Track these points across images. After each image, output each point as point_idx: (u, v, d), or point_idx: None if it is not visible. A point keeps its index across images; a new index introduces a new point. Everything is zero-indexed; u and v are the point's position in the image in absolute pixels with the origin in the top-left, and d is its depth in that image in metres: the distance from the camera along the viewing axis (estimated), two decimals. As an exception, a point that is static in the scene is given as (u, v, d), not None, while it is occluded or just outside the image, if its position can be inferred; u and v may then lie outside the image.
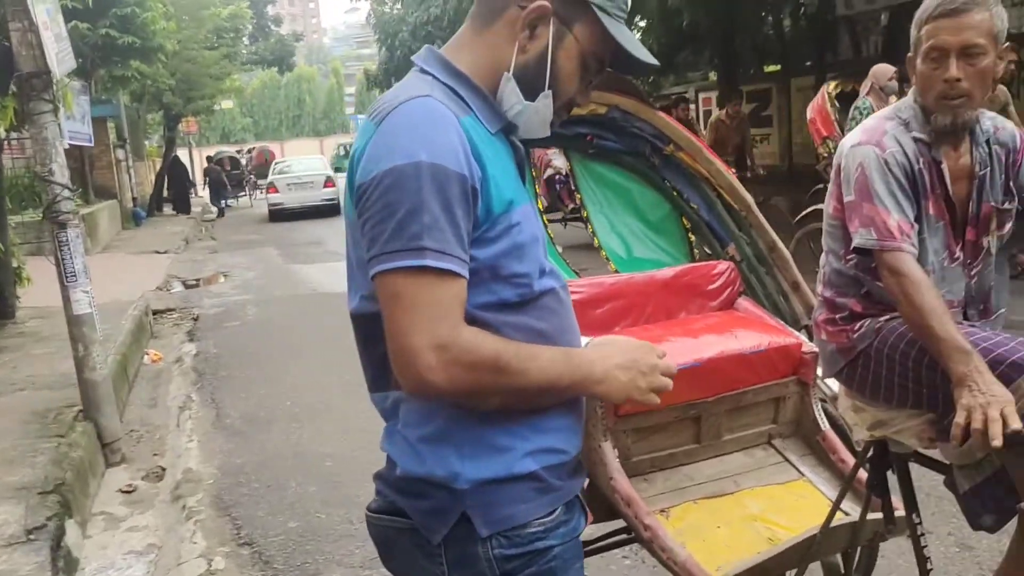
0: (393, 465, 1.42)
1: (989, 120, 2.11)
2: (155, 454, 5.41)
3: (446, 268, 1.25)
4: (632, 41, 1.42)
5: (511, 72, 1.40)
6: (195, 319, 9.61)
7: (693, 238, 3.34)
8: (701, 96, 19.81)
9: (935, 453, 2.07)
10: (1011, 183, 2.11)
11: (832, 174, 2.15)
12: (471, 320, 1.31)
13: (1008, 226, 2.12)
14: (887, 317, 2.06)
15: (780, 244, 3.04)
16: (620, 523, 2.62)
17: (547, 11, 1.37)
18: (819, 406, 2.75)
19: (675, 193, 3.24)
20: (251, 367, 7.32)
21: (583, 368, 1.36)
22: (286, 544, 3.95)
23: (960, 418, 1.68)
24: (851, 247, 2.05)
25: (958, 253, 2.09)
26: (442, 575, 1.38)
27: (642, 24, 16.47)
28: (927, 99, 2.02)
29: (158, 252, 15.50)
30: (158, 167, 27.47)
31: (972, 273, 2.11)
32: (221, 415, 6.06)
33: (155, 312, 9.70)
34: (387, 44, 23.48)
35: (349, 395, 6.17)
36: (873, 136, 2.06)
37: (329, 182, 21.79)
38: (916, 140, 2.05)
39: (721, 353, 2.61)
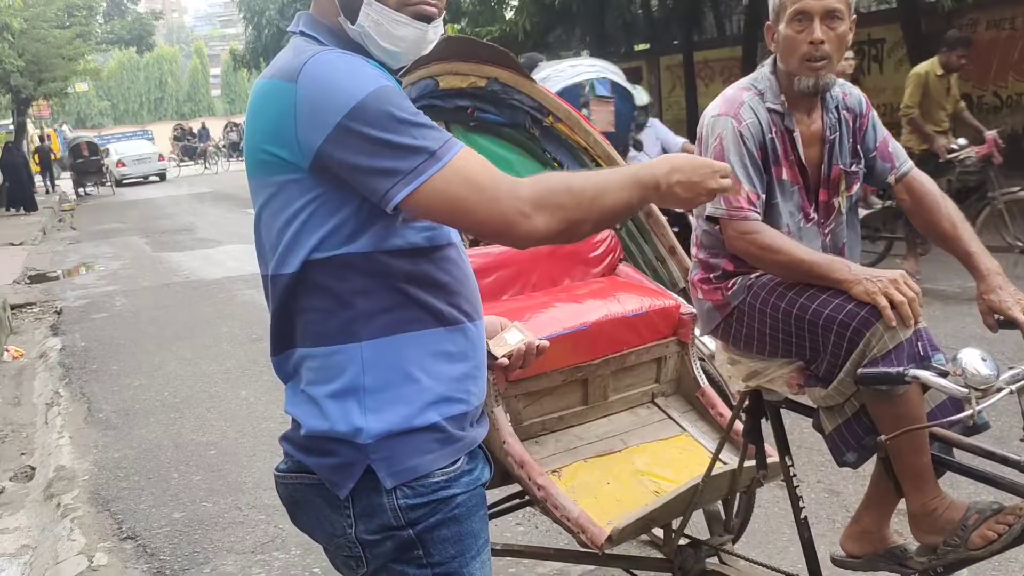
0: (297, 426, 1.44)
1: (838, 87, 2.26)
2: (23, 453, 5.14)
3: (459, 150, 1.32)
4: None
5: (341, 14, 1.41)
6: (58, 312, 9.13)
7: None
8: (574, 75, 20.09)
9: (804, 399, 2.21)
10: (858, 146, 2.26)
11: (697, 140, 2.25)
12: (381, 264, 1.36)
13: (856, 187, 2.28)
14: (757, 274, 2.18)
15: (656, 211, 3.15)
16: (514, 488, 2.68)
17: None
18: (698, 364, 2.88)
19: (555, 164, 3.31)
20: (123, 359, 7.03)
21: (646, 190, 1.41)
22: (172, 535, 3.85)
23: (880, 300, 1.88)
24: (705, 214, 2.18)
25: (812, 214, 2.24)
26: (349, 527, 1.40)
27: (514, 3, 16.53)
28: (791, 63, 2.12)
29: (12, 244, 14.59)
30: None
31: (826, 231, 2.26)
32: (93, 409, 5.80)
33: (13, 306, 9.15)
34: (254, 23, 22.72)
35: (230, 383, 6.04)
36: (731, 107, 2.18)
37: (161, 157, 30.81)
38: (770, 111, 2.17)
39: (605, 317, 2.69)
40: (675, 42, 17.88)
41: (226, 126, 37.92)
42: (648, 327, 2.78)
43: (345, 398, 1.38)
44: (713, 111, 2.21)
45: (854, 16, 2.13)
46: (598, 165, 3.23)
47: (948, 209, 2.17)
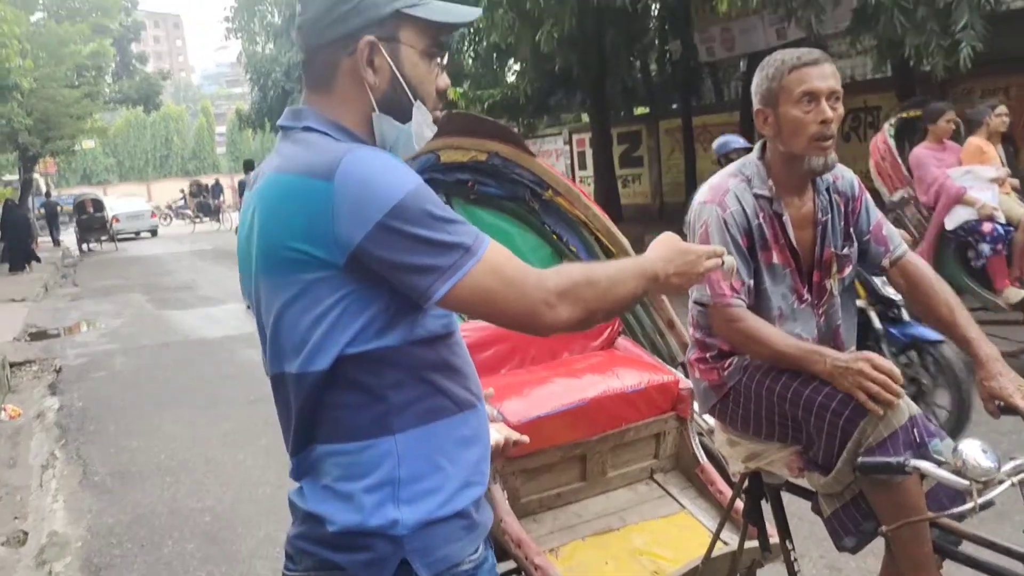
0: (319, 522, 1.41)
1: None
2: (16, 517, 5.08)
3: (488, 243, 1.37)
4: (445, 10, 1.49)
5: (378, 111, 1.46)
6: (57, 371, 9.09)
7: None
8: (575, 137, 20.36)
9: (803, 482, 2.20)
10: (851, 229, 2.29)
11: (687, 226, 2.29)
12: (410, 355, 1.39)
13: (848, 270, 2.30)
14: None
15: (655, 285, 3.17)
16: (511, 564, 2.65)
17: (374, 42, 1.43)
18: (697, 440, 2.87)
19: (555, 237, 3.34)
20: (121, 420, 6.98)
21: (649, 281, 1.50)
22: (164, 607, 3.78)
23: (859, 395, 1.91)
24: (693, 298, 2.21)
25: (806, 295, 2.26)
26: None
27: (516, 67, 16.86)
28: (798, 144, 2.14)
29: (14, 300, 14.60)
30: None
31: (820, 312, 2.28)
32: (89, 472, 5.74)
33: (12, 364, 9.13)
34: (260, 84, 23.15)
35: (227, 446, 5.99)
36: (717, 195, 2.22)
37: (153, 214, 33.23)
38: (757, 196, 2.21)
39: (604, 392, 2.70)
40: (674, 107, 18.16)
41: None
42: (647, 403, 2.78)
43: (380, 491, 1.38)
44: (700, 198, 2.26)
45: None
46: (597, 239, 3.27)
47: (945, 294, 2.18)
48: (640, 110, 20.30)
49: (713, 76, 18.33)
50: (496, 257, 1.36)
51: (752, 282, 2.17)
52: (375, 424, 1.38)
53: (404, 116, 1.47)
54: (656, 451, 2.86)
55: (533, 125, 19.43)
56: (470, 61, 18.61)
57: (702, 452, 2.84)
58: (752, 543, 2.40)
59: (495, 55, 17.29)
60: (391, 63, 1.44)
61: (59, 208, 30.98)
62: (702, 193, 2.25)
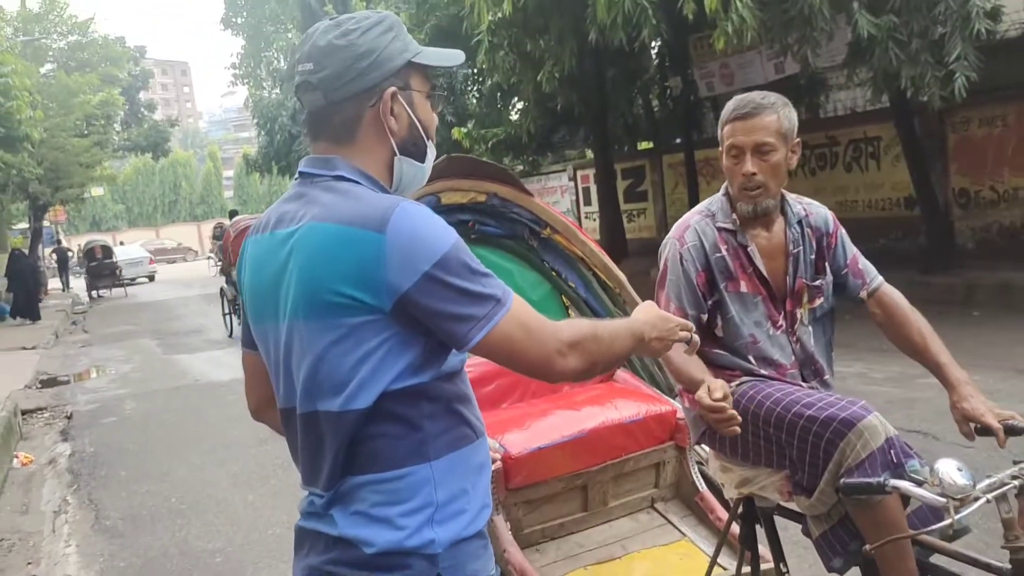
0: (354, 545, 1.48)
1: (800, 204, 2.39)
2: (29, 563, 5.12)
3: (513, 296, 1.49)
4: (439, 56, 1.64)
5: (399, 154, 1.58)
6: (69, 417, 9.17)
7: (573, 315, 3.52)
8: (579, 173, 20.54)
9: (794, 505, 2.26)
10: (826, 263, 2.38)
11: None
12: (439, 389, 1.50)
13: (819, 300, 2.38)
14: (738, 382, 2.27)
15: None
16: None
17: (396, 92, 1.56)
18: (696, 468, 2.93)
19: (554, 273, 3.43)
20: (131, 464, 7.04)
21: (637, 341, 1.64)
22: (176, 648, 3.81)
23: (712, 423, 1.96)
24: None
25: (781, 322, 2.34)
26: None
27: (519, 106, 17.08)
28: (732, 190, 2.31)
29: (25, 348, 14.72)
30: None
31: (794, 339, 2.36)
32: (100, 517, 5.79)
33: (24, 412, 9.21)
34: (267, 129, 23.42)
35: (238, 487, 6.03)
36: (679, 231, 2.36)
37: (151, 260, 35.76)
38: (720, 229, 2.32)
39: (603, 423, 2.76)
40: (677, 141, 18.31)
41: None
42: (645, 433, 2.84)
43: (420, 514, 1.47)
44: (669, 233, 2.39)
45: (797, 140, 2.29)
46: (595, 275, 3.35)
47: (918, 323, 2.27)
48: (643, 145, 20.48)
49: (714, 110, 18.50)
50: (520, 308, 1.48)
51: (707, 315, 2.30)
52: (413, 453, 1.48)
53: (421, 156, 1.61)
54: (656, 480, 2.92)
55: (537, 162, 19.60)
56: (474, 101, 18.88)
57: (701, 480, 2.89)
58: (748, 568, 2.45)
59: (498, 95, 17.56)
60: (408, 109, 1.58)
61: (70, 254, 31.47)
62: (672, 229, 2.37)
